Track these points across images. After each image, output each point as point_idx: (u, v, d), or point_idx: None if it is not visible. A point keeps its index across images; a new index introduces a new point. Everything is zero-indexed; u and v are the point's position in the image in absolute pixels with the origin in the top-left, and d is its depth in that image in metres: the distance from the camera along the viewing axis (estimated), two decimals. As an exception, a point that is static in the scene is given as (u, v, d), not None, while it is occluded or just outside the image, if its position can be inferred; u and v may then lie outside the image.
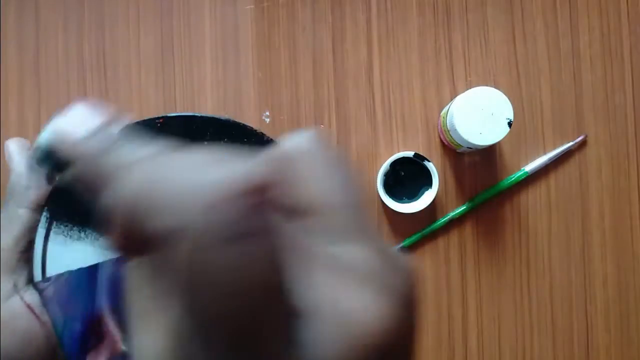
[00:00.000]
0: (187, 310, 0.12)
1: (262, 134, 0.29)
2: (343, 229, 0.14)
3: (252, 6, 0.51)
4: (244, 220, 0.11)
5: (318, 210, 0.15)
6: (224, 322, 0.11)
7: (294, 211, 0.15)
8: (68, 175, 0.17)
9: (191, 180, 0.12)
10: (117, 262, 0.26)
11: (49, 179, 0.21)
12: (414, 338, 0.14)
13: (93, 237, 0.27)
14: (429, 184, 0.48)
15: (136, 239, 0.12)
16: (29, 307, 0.26)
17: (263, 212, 0.12)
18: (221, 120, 0.30)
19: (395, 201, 0.48)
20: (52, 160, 0.19)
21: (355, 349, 0.12)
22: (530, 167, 0.49)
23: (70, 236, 0.27)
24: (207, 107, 0.50)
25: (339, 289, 0.13)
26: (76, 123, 0.19)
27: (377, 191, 0.48)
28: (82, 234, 0.27)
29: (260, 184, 0.12)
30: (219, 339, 0.12)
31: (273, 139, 0.28)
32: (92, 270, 0.26)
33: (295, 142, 0.16)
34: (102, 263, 0.26)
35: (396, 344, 0.13)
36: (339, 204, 0.15)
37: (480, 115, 0.43)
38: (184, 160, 0.13)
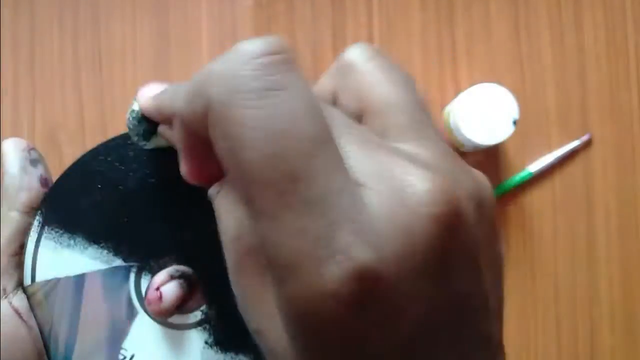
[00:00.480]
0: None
1: None
2: (408, 127, 0.14)
3: (250, 2, 0.50)
4: (269, 74, 0.13)
5: (382, 111, 0.15)
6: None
7: (359, 115, 0.15)
8: (163, 129, 0.21)
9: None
10: (105, 273, 0.26)
11: (143, 138, 0.23)
12: (493, 248, 0.13)
13: (82, 246, 0.26)
14: (431, 183, 0.47)
15: (197, 121, 0.14)
16: (16, 311, 0.26)
17: (289, 69, 0.13)
18: None
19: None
20: (145, 121, 0.22)
21: (409, 218, 0.12)
22: (534, 167, 0.49)
23: (61, 243, 0.26)
24: (205, 106, 0.50)
25: (399, 166, 0.13)
26: (149, 91, 0.21)
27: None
28: (72, 242, 0.26)
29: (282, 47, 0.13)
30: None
31: None
32: (78, 280, 0.26)
33: (353, 52, 0.16)
34: (89, 273, 0.26)
35: (464, 235, 0.12)
36: (403, 102, 0.15)
37: (483, 114, 0.42)
38: None
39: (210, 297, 0.26)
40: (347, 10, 0.50)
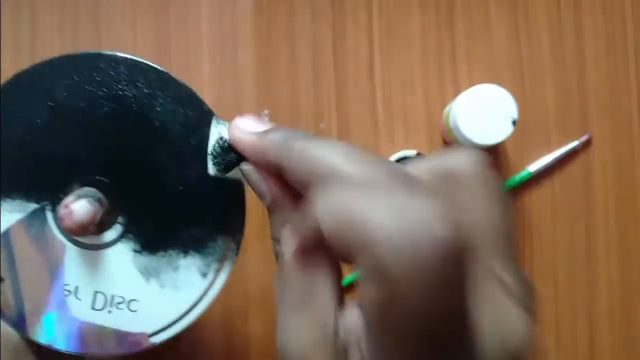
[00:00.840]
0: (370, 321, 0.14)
1: (199, 100, 0.28)
2: (503, 255, 0.16)
3: (250, 2, 0.50)
4: (446, 273, 0.13)
5: (485, 236, 0.16)
6: (416, 337, 0.13)
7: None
8: (246, 167, 0.21)
9: (389, 213, 0.13)
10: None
11: (226, 170, 0.24)
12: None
13: None
14: (431, 184, 0.47)
15: (338, 252, 0.14)
16: None
17: (462, 265, 0.13)
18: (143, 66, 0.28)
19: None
20: (231, 153, 0.22)
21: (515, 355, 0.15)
22: (534, 167, 0.49)
23: None
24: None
25: (506, 310, 0.15)
26: (249, 124, 0.22)
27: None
28: None
29: (461, 245, 0.13)
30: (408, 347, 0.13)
31: (212, 111, 0.27)
32: (5, 237, 0.27)
33: (459, 161, 0.17)
34: (12, 227, 0.27)
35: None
36: (501, 232, 0.16)
37: (483, 114, 0.42)
38: (368, 173, 0.15)
39: (124, 208, 0.27)
40: (347, 12, 0.50)
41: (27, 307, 0.27)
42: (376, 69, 0.50)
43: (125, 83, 0.27)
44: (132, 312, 0.27)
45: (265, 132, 0.20)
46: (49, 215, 0.27)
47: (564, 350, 0.49)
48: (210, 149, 0.23)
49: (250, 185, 0.22)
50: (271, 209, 0.21)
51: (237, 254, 0.27)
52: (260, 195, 0.21)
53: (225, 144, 0.22)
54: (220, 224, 0.27)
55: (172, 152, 0.27)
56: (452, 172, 0.17)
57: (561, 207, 0.49)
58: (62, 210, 0.25)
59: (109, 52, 0.27)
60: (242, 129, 0.21)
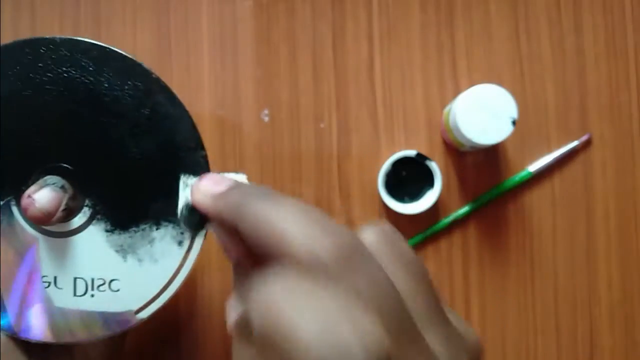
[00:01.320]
0: None
1: (145, 69, 0.27)
2: (425, 315, 0.17)
3: (250, 2, 0.50)
4: None
5: (412, 309, 0.16)
6: None
7: None
8: (212, 225, 0.22)
9: (316, 326, 0.13)
10: None
11: (195, 231, 0.25)
12: None
13: None
14: (431, 184, 0.47)
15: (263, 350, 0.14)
16: None
17: None
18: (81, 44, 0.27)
19: (397, 201, 0.47)
20: (196, 215, 0.23)
21: None
22: (534, 167, 0.49)
23: None
24: (205, 105, 0.50)
25: None
26: (208, 186, 0.23)
27: (379, 192, 0.47)
28: None
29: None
30: None
31: (160, 78, 0.27)
32: None
33: (369, 236, 0.18)
34: None
35: None
36: (419, 294, 0.17)
37: (483, 114, 0.42)
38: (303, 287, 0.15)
39: (89, 191, 0.27)
40: (347, 11, 0.50)
41: (9, 305, 0.27)
42: (376, 68, 0.50)
43: (68, 64, 0.27)
44: (114, 292, 0.27)
45: (223, 194, 0.21)
46: (15, 209, 0.27)
47: (564, 351, 0.49)
48: (178, 212, 0.23)
49: (218, 243, 0.22)
50: (234, 269, 0.22)
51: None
52: (225, 254, 0.22)
53: (189, 206, 0.23)
54: None
55: (126, 125, 0.27)
56: (377, 246, 0.17)
57: (561, 207, 0.49)
58: (24, 200, 0.24)
59: (47, 37, 0.26)
60: (202, 191, 0.22)
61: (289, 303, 0.14)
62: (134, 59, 0.28)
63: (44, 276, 0.27)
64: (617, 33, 0.50)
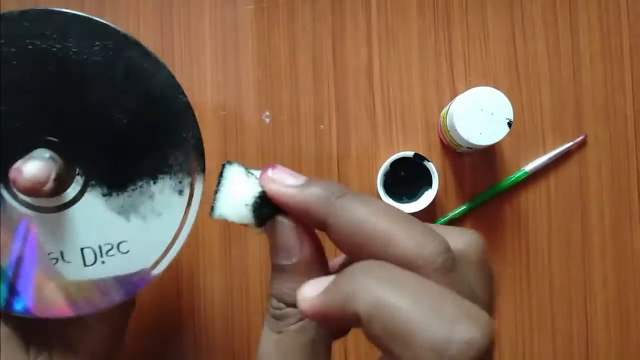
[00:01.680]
0: None
1: (113, 28, 0.26)
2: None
3: (252, 6, 0.51)
4: None
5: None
6: None
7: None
8: (280, 221, 0.20)
9: (424, 323, 0.15)
10: None
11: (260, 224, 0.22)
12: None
13: None
14: (428, 184, 0.48)
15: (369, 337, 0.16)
16: None
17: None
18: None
19: (395, 201, 0.48)
20: (270, 206, 0.20)
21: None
22: (530, 167, 0.49)
23: None
24: (207, 107, 0.50)
25: None
26: (286, 177, 0.20)
27: (377, 191, 0.48)
28: None
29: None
30: None
31: (128, 34, 0.26)
32: None
33: (465, 242, 0.19)
34: None
35: None
36: (491, 307, 0.19)
37: (480, 116, 0.43)
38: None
39: (78, 159, 0.26)
40: (346, 15, 0.51)
41: (22, 290, 0.26)
42: (375, 71, 0.51)
43: (33, 36, 0.26)
44: (125, 255, 0.26)
45: (305, 185, 0.20)
46: (5, 192, 0.26)
47: (560, 349, 0.49)
48: (250, 201, 0.20)
49: (275, 239, 0.20)
50: (287, 269, 0.20)
51: (203, 159, 0.27)
52: (285, 252, 0.20)
53: (263, 196, 0.20)
54: (175, 138, 0.27)
55: (103, 86, 0.26)
56: (465, 253, 0.19)
57: (556, 207, 0.50)
58: (12, 173, 0.24)
59: (7, 12, 0.25)
60: (279, 182, 0.20)
61: (403, 303, 0.15)
62: (100, 20, 0.27)
63: (49, 253, 0.26)
64: (612, 35, 0.50)
